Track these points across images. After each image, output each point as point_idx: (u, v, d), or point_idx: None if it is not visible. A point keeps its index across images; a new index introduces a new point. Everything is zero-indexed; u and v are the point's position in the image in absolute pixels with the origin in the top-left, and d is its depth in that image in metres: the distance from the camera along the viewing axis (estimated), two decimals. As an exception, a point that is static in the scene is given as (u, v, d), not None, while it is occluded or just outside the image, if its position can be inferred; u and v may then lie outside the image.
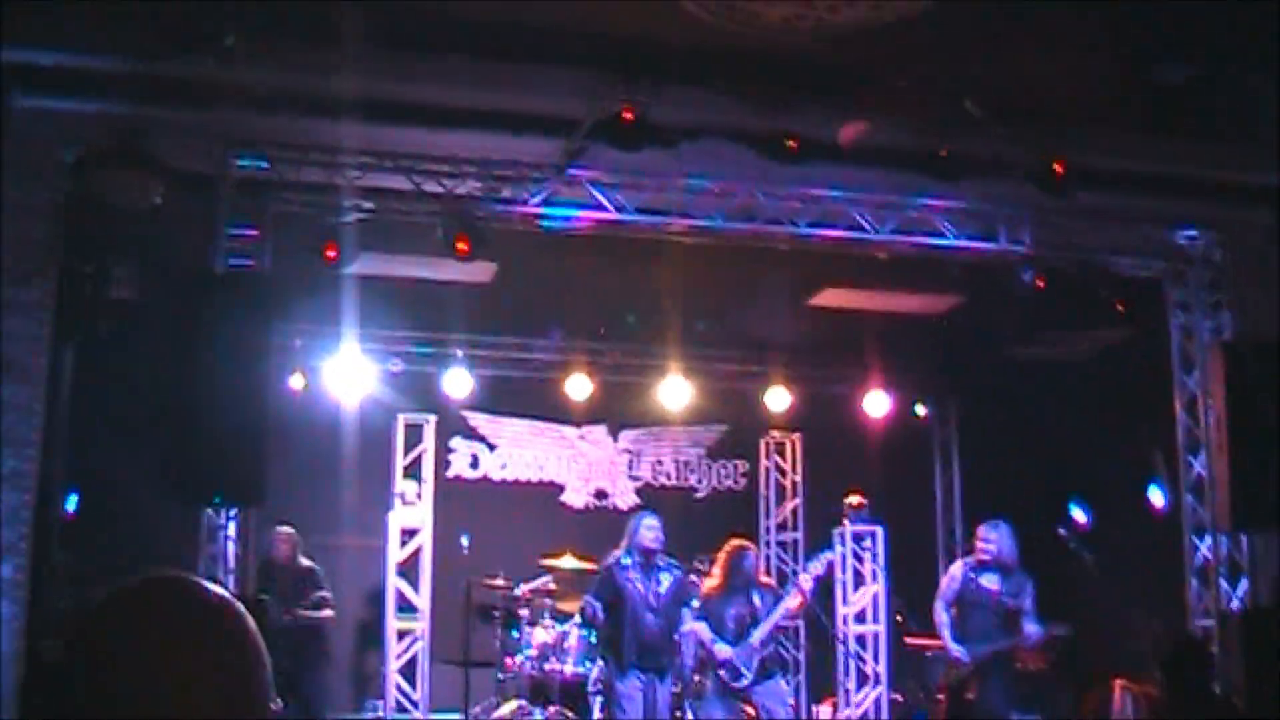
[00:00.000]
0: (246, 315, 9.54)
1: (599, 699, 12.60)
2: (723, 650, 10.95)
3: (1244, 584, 11.65)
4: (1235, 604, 11.63)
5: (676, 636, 10.95)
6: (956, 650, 11.29)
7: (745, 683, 10.94)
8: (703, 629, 11.17)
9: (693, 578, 13.67)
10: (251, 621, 1.72)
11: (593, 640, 12.90)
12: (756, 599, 11.28)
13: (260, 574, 12.17)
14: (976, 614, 11.40)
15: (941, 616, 11.43)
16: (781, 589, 12.37)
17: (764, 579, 12.18)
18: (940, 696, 13.28)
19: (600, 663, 11.66)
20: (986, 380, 16.08)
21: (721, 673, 10.94)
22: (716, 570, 11.49)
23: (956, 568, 11.77)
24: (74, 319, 9.90)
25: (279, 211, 10.52)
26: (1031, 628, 11.30)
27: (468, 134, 10.46)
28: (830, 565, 12.83)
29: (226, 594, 1.74)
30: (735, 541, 11.59)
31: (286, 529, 12.92)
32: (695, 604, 11.90)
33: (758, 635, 11.05)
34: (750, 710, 11.53)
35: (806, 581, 11.66)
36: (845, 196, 11.43)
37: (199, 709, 1.62)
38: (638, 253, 11.91)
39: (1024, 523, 12.46)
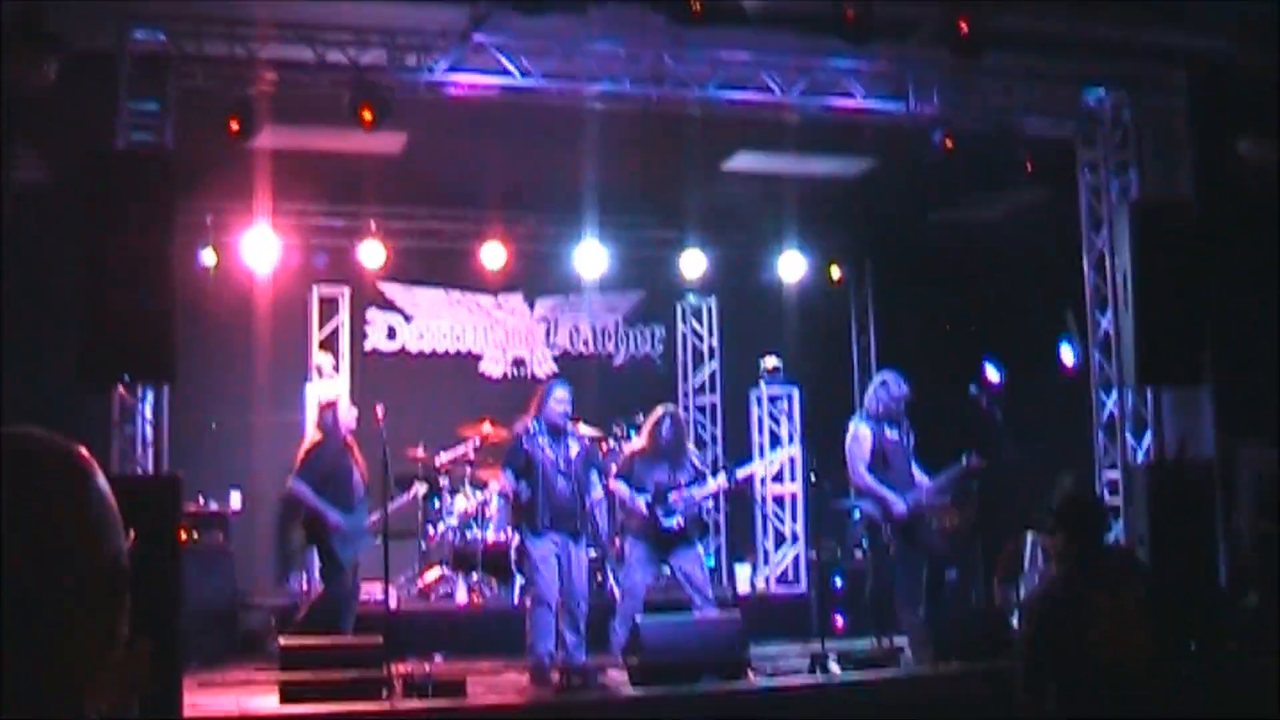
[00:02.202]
0: (150, 192, 9.40)
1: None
2: (642, 502, 11.11)
3: (1148, 438, 11.89)
4: (1140, 457, 11.88)
5: (588, 501, 11.03)
6: (898, 502, 11.46)
7: (675, 523, 11.08)
8: (621, 488, 11.28)
9: (611, 442, 13.84)
10: (103, 480, 1.73)
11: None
12: (692, 461, 11.45)
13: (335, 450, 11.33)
14: (892, 466, 11.60)
15: (869, 479, 11.53)
16: (703, 463, 12.36)
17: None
18: (857, 555, 13.57)
19: (513, 530, 11.68)
20: (901, 242, 16.19)
21: (657, 511, 11.08)
22: (643, 433, 11.58)
23: (862, 428, 11.73)
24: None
25: (182, 86, 10.34)
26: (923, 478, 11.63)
27: (370, 2, 10.31)
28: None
29: (82, 450, 1.75)
30: (661, 407, 11.67)
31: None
32: (614, 466, 12.04)
33: (699, 491, 11.26)
34: (668, 572, 11.70)
35: (723, 481, 11.86)
36: (754, 59, 11.39)
37: (46, 562, 1.65)
38: (549, 120, 11.81)
39: (938, 382, 12.65)
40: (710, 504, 14.32)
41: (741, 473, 12.03)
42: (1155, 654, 5.43)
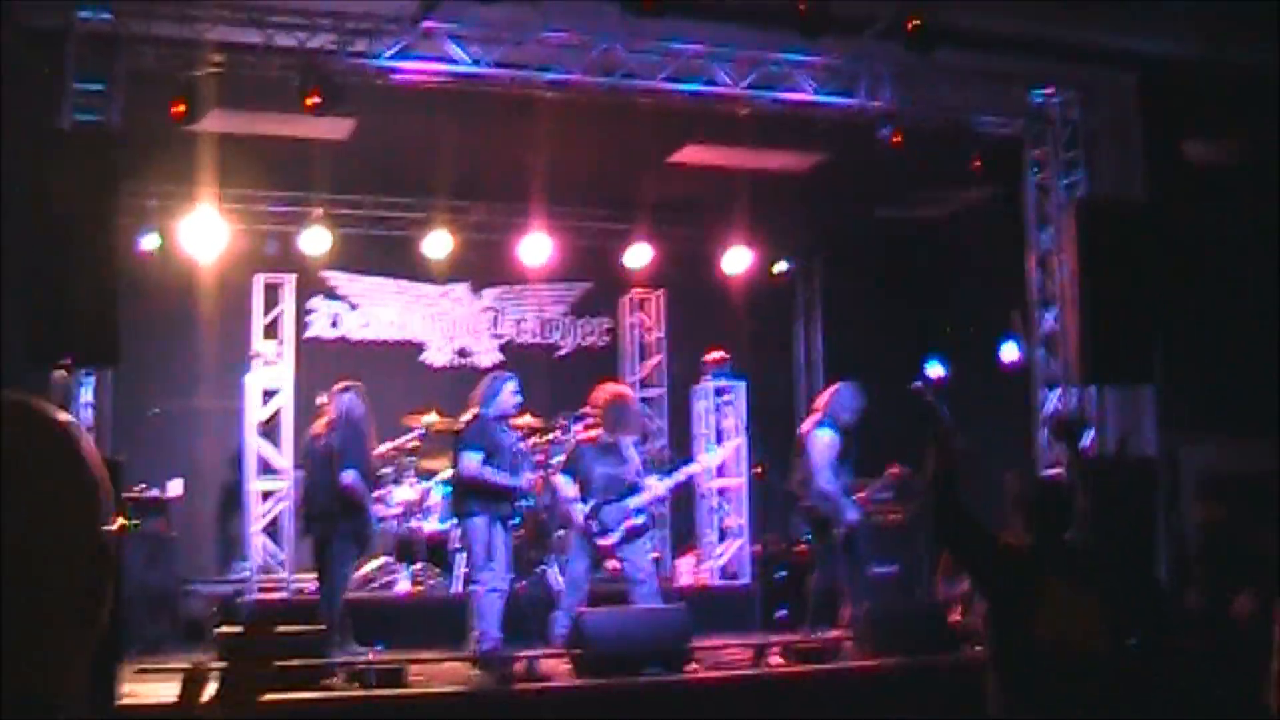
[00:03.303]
0: (94, 172, 9.29)
1: (461, 556, 12.63)
2: (579, 512, 11.04)
3: (1091, 435, 11.97)
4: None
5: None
6: (851, 508, 11.57)
7: (611, 540, 11.01)
8: (565, 484, 11.20)
9: (557, 434, 13.80)
10: (89, 443, 1.71)
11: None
12: (633, 456, 11.34)
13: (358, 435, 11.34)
14: (846, 474, 11.68)
15: (834, 484, 11.52)
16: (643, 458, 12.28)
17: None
18: (800, 549, 13.65)
19: (467, 519, 11.26)
20: (849, 238, 16.23)
21: (592, 525, 11.01)
22: (595, 421, 11.48)
23: (830, 434, 11.65)
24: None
25: (129, 67, 10.22)
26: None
27: (321, -14, 10.25)
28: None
29: (67, 416, 1.72)
30: (612, 390, 11.63)
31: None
32: (559, 458, 12.01)
33: (634, 502, 11.14)
34: (613, 564, 11.63)
35: (662, 488, 11.82)
36: (706, 51, 11.37)
37: (33, 524, 1.62)
38: (498, 109, 11.75)
39: (883, 378, 12.67)
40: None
41: (681, 475, 12.01)
42: (1102, 645, 5.48)
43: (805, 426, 11.88)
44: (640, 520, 11.21)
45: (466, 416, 10.99)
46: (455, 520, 11.14)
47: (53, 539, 1.63)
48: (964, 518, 5.74)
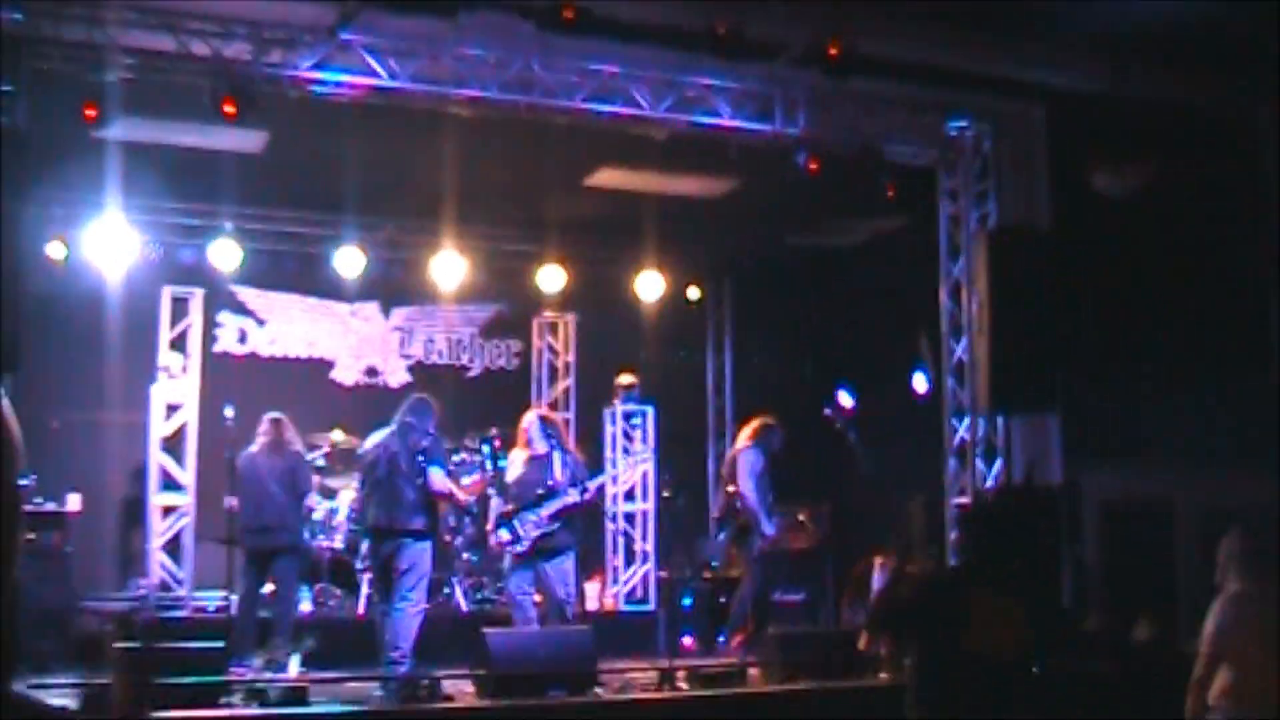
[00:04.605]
0: (-3, 174, 9.10)
1: (367, 576, 12.50)
2: (491, 524, 11.03)
3: (999, 463, 12.07)
4: (990, 483, 12.04)
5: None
6: (769, 524, 11.94)
7: (520, 549, 10.90)
8: (498, 503, 11.18)
9: (464, 455, 13.72)
10: (7, 405, 1.67)
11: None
12: (561, 467, 11.22)
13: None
14: (768, 494, 11.95)
15: (755, 495, 11.91)
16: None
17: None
18: (706, 575, 13.67)
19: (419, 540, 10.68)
20: (761, 264, 16.28)
21: (502, 534, 10.97)
22: (519, 442, 11.43)
23: (753, 454, 12.03)
24: None
25: (37, 69, 10.03)
26: None
27: (237, -6, 10.14)
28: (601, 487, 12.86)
29: None
30: (529, 413, 11.67)
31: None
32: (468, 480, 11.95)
33: (547, 510, 11.02)
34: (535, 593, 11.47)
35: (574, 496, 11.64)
36: (623, 73, 11.37)
37: None
38: (413, 125, 11.67)
39: (793, 406, 12.76)
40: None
41: (593, 484, 11.88)
42: (1024, 657, 5.56)
43: (736, 449, 12.33)
44: (553, 529, 11.05)
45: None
46: (398, 540, 10.67)
47: None
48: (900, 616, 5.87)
